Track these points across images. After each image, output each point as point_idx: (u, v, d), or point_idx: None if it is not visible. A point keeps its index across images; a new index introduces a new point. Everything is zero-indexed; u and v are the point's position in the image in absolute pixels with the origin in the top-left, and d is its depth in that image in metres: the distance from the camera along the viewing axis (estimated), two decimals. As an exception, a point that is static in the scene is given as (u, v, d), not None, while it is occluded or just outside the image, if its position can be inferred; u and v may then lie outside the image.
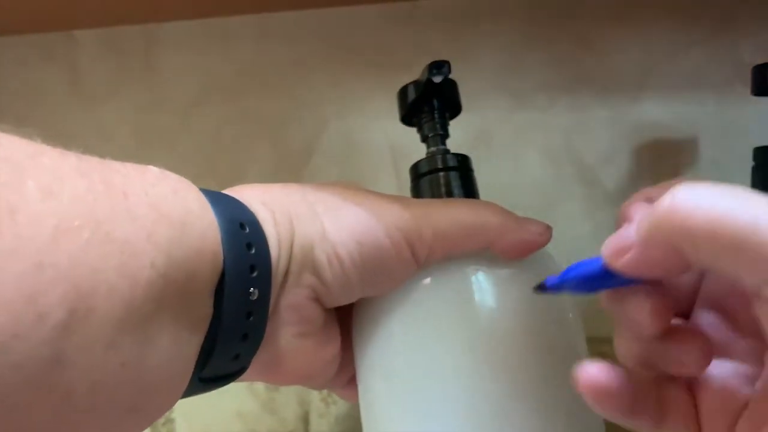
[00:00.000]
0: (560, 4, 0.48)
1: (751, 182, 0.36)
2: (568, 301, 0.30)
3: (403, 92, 0.33)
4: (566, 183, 0.48)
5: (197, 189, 0.22)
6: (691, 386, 0.22)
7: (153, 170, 0.21)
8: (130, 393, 0.19)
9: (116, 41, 0.54)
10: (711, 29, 0.46)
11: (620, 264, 0.20)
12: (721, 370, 0.21)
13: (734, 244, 0.17)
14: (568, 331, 0.29)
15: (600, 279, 0.21)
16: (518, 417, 0.25)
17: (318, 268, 0.24)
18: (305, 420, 0.52)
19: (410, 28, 0.50)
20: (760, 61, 0.35)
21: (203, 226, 0.21)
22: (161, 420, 0.53)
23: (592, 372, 0.21)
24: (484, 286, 0.27)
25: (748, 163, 0.36)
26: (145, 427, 0.20)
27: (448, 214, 0.27)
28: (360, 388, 0.29)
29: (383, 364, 0.27)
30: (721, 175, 0.46)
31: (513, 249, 0.27)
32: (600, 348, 0.29)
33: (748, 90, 0.35)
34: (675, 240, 0.18)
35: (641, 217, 0.19)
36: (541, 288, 0.23)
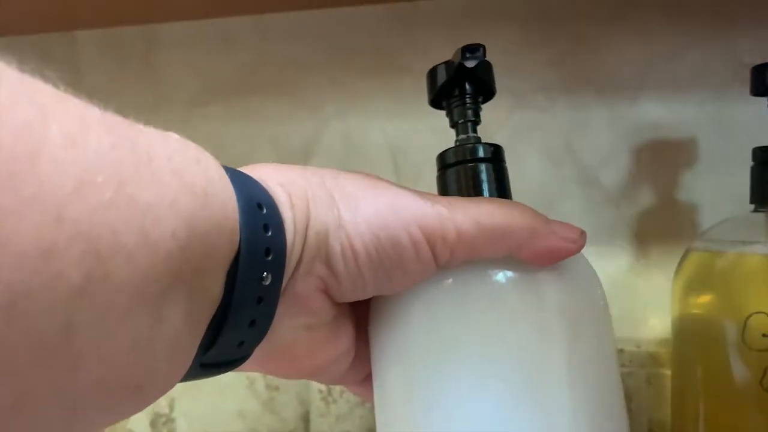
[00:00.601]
0: (559, 4, 0.48)
1: (750, 182, 0.36)
2: (598, 300, 0.28)
3: (432, 74, 0.30)
4: (566, 183, 0.48)
5: (217, 161, 0.21)
6: None
7: (174, 137, 0.20)
8: (136, 370, 0.18)
9: (116, 42, 0.54)
10: (710, 29, 0.46)
11: None
12: None
13: None
14: (597, 332, 0.27)
15: None
16: (540, 418, 0.25)
17: (330, 258, 0.23)
18: (305, 419, 0.52)
19: (410, 28, 0.50)
20: (759, 62, 0.35)
21: (224, 200, 0.20)
22: (162, 419, 0.53)
23: None
24: (507, 288, 0.26)
25: (748, 163, 0.36)
26: (142, 408, 0.19)
27: (474, 215, 0.25)
28: (375, 385, 0.28)
29: (401, 363, 0.26)
30: (720, 175, 0.46)
31: (541, 256, 0.25)
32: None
33: (748, 90, 0.35)
34: None
35: None
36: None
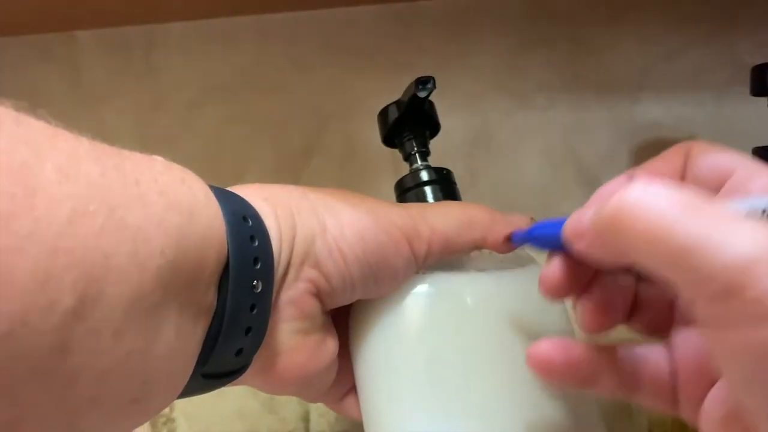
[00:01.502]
0: (559, 5, 0.48)
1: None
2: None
3: (383, 113, 0.34)
4: (566, 183, 0.48)
5: (201, 180, 0.22)
6: (668, 352, 0.22)
7: (159, 160, 0.21)
8: (133, 383, 0.18)
9: (117, 42, 0.54)
10: (710, 29, 0.46)
11: (577, 247, 0.21)
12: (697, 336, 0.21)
13: (673, 260, 0.17)
14: (563, 329, 0.29)
15: (560, 243, 0.22)
16: (519, 415, 0.26)
17: (320, 261, 0.25)
18: (305, 419, 0.52)
19: (410, 28, 0.50)
20: (759, 61, 0.35)
21: (210, 215, 0.21)
22: (162, 419, 0.53)
23: (544, 348, 0.22)
24: (479, 287, 0.28)
25: (747, 163, 0.36)
26: (145, 421, 0.20)
27: (441, 213, 0.28)
28: (360, 393, 0.29)
29: (383, 367, 0.28)
30: (720, 175, 0.46)
31: (503, 242, 0.28)
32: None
33: (747, 90, 0.35)
34: (618, 244, 0.18)
35: (596, 208, 0.19)
36: (508, 241, 0.25)
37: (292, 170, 0.52)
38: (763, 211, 0.19)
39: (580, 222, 0.21)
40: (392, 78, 0.50)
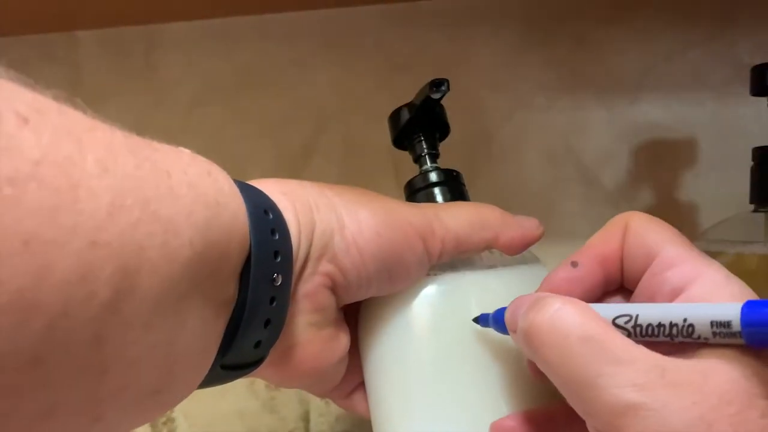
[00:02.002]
0: (559, 5, 0.48)
1: (750, 182, 0.36)
2: None
3: (395, 115, 0.34)
4: (566, 183, 0.48)
5: (225, 172, 0.22)
6: None
7: (186, 152, 0.21)
8: (157, 374, 0.19)
9: (117, 42, 0.54)
10: (710, 29, 0.46)
11: (511, 336, 0.24)
12: None
13: (570, 388, 0.20)
14: None
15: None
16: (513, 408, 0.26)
17: (337, 255, 0.25)
18: (305, 419, 0.52)
19: (410, 28, 0.50)
20: (758, 61, 0.35)
21: (234, 208, 0.21)
22: (162, 419, 0.53)
23: (507, 424, 0.25)
24: (486, 286, 0.29)
25: (747, 163, 0.36)
26: (164, 412, 0.20)
27: (455, 212, 0.28)
28: (368, 389, 0.29)
29: (392, 364, 0.28)
30: (720, 175, 0.46)
31: (515, 243, 0.29)
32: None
33: (747, 90, 0.35)
34: (533, 356, 0.21)
35: (523, 312, 0.22)
36: (475, 320, 0.27)
37: (292, 170, 0.52)
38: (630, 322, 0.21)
39: (514, 316, 0.23)
40: (392, 78, 0.50)
